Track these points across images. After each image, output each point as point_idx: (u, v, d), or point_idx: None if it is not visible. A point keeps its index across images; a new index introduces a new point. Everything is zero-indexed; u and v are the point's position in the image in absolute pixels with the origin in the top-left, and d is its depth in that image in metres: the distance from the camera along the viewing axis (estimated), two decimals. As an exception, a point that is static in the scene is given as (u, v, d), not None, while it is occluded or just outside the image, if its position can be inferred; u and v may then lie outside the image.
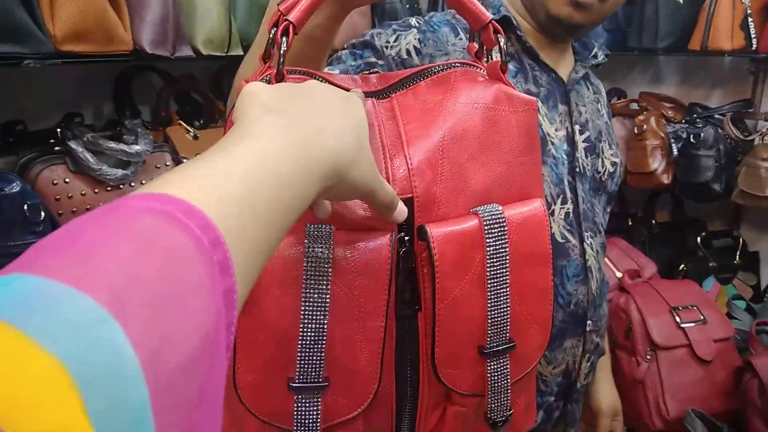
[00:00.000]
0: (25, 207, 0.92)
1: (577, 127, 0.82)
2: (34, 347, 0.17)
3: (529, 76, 0.79)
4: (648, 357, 1.53)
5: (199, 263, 0.23)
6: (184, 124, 1.34)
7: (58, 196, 1.03)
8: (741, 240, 2.00)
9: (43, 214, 0.94)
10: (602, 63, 0.88)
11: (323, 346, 0.43)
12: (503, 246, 0.46)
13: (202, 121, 1.43)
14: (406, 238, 0.46)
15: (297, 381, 0.43)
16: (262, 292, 0.43)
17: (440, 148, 0.46)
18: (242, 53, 1.29)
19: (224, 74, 1.63)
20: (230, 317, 0.24)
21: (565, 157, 0.79)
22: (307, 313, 0.42)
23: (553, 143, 0.78)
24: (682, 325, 1.55)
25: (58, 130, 1.08)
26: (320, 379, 0.44)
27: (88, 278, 0.19)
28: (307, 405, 0.44)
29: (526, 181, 0.49)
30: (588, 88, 0.87)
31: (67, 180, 1.05)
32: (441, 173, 0.46)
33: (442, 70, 0.50)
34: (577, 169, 0.81)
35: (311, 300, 0.42)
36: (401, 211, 0.42)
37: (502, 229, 0.46)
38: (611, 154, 0.88)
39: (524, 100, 0.49)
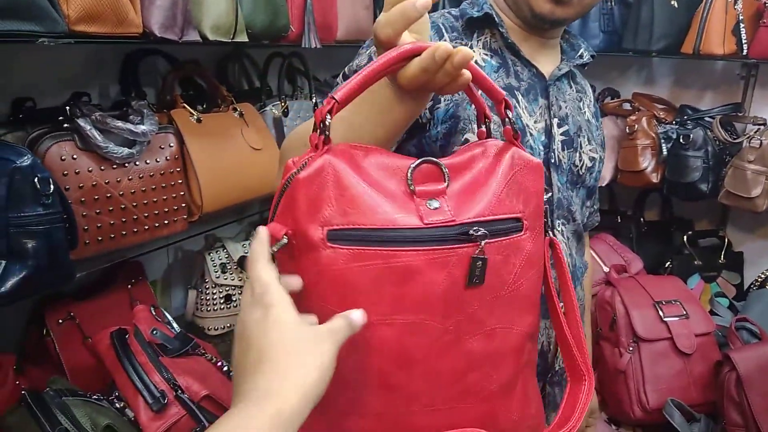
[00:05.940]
0: (36, 180, 0.95)
1: (555, 121, 0.84)
2: None
3: (511, 71, 0.82)
4: (630, 348, 1.58)
5: None
6: (188, 107, 1.37)
7: (65, 172, 1.07)
8: (726, 240, 2.04)
9: (52, 187, 0.97)
10: (588, 63, 0.90)
11: None
12: None
13: (205, 105, 1.46)
14: None
15: None
16: None
17: None
18: (247, 40, 1.32)
19: (229, 62, 1.67)
20: None
21: (541, 148, 0.82)
22: None
23: (531, 134, 0.81)
24: (665, 319, 1.60)
25: (67, 108, 1.11)
26: None
27: None
28: None
29: None
30: (571, 86, 0.90)
31: (74, 156, 1.08)
32: None
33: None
34: (552, 161, 0.83)
35: None
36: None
37: None
38: (590, 150, 0.90)
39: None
